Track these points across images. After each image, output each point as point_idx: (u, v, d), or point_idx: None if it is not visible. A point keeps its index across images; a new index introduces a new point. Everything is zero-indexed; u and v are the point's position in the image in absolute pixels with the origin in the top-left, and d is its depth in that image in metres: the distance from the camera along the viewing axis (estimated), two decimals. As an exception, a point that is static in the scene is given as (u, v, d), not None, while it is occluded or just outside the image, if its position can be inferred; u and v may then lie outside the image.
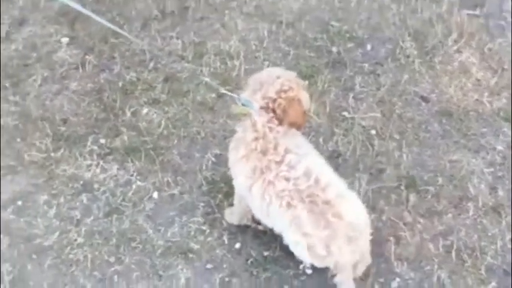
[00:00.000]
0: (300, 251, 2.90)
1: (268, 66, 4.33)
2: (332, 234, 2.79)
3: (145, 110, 4.12)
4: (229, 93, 3.30)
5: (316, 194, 2.81)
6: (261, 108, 3.00)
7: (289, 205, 2.84)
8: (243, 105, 3.05)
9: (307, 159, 2.93)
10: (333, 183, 2.89)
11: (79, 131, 4.03)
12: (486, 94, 4.08)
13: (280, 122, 3.01)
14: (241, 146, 3.03)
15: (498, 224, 3.48)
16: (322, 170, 2.95)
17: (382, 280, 3.29)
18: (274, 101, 3.00)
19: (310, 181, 2.84)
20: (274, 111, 3.00)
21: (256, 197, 2.98)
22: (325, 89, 4.18)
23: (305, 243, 2.84)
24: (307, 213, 2.80)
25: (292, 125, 3.06)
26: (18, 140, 3.98)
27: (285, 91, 3.02)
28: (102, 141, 3.98)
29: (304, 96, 3.15)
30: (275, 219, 2.98)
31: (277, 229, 3.05)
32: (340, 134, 3.94)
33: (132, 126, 4.03)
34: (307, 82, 4.16)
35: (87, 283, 3.38)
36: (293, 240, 2.90)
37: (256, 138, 2.97)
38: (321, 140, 3.92)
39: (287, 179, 2.86)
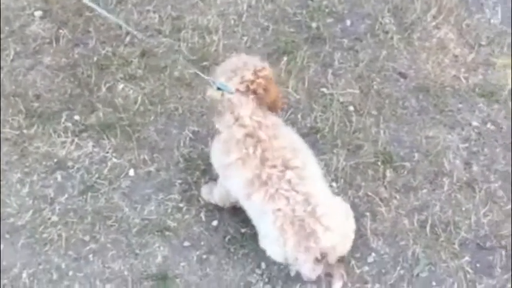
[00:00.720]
0: (267, 247, 3.06)
1: (246, 41, 4.37)
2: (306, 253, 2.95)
3: (121, 86, 4.13)
4: (205, 77, 3.28)
5: (308, 222, 2.92)
6: (239, 91, 3.05)
7: (281, 227, 2.94)
8: (218, 89, 3.08)
9: (308, 181, 3.00)
10: (328, 213, 2.96)
11: (53, 107, 4.04)
12: (463, 70, 4.15)
13: (261, 102, 3.07)
14: (232, 148, 3.05)
15: (472, 199, 3.59)
16: (319, 194, 3.02)
17: (358, 255, 3.39)
18: (252, 82, 3.05)
19: (308, 209, 2.93)
20: (254, 92, 3.06)
21: (254, 205, 3.05)
22: (304, 64, 4.22)
23: (278, 250, 3.00)
24: (294, 235, 2.92)
25: (273, 104, 3.16)
26: (-10, 116, 4.00)
27: (260, 71, 3.09)
28: (77, 117, 3.99)
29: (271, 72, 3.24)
30: (261, 223, 3.08)
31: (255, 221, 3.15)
32: (318, 110, 4.00)
33: (108, 103, 4.05)
34: (286, 58, 4.23)
35: (61, 262, 3.43)
36: (268, 242, 3.05)
37: (247, 135, 3.02)
38: (299, 116, 3.98)
39: (287, 199, 2.94)
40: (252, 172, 2.98)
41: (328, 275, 3.20)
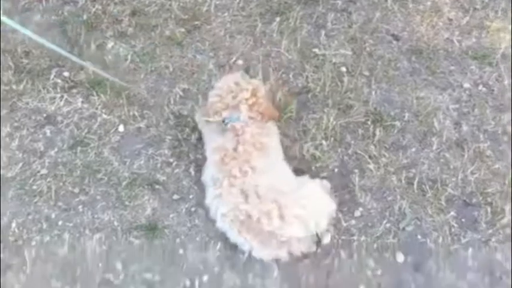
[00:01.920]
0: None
1: (239, 1, 4.51)
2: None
3: (111, 44, 4.29)
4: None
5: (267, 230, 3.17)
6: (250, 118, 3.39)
7: (238, 230, 3.24)
8: (227, 123, 3.38)
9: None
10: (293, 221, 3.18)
11: (42, 64, 4.19)
12: (457, 33, 4.32)
13: (263, 118, 3.44)
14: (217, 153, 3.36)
15: (461, 157, 3.76)
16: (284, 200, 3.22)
17: (345, 209, 3.57)
18: (254, 104, 3.42)
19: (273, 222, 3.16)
20: (258, 112, 3.43)
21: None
22: (296, 25, 4.37)
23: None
24: (254, 237, 3.24)
25: (273, 117, 3.54)
26: (-21, 71, 4.14)
27: (257, 90, 3.49)
28: (66, 74, 4.15)
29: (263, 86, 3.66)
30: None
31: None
32: (310, 70, 4.16)
33: (98, 60, 4.19)
34: (278, 18, 4.39)
35: (51, 213, 3.60)
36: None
37: (234, 149, 3.32)
38: (291, 76, 4.15)
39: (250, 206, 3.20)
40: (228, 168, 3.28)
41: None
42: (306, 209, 3.19)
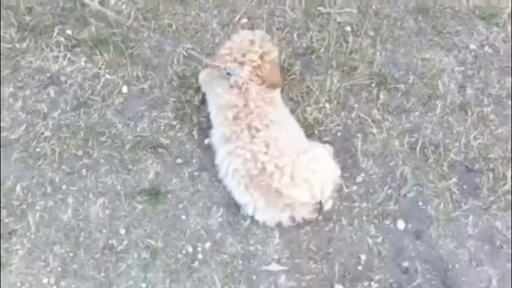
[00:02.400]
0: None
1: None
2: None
3: (113, 0, 4.22)
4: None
5: (275, 186, 3.18)
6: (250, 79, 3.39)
7: (246, 186, 3.26)
8: (228, 74, 3.37)
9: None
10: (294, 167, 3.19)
11: (45, 21, 4.14)
12: (465, -12, 4.24)
13: (263, 83, 3.43)
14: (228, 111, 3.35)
15: (464, 122, 3.72)
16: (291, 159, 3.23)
17: (347, 175, 3.55)
18: (259, 66, 3.43)
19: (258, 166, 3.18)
20: (259, 76, 3.43)
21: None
22: (301, -18, 4.30)
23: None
24: (261, 196, 3.25)
25: (273, 85, 3.48)
26: (-18, 29, 4.10)
27: (267, 54, 3.48)
28: (69, 32, 4.10)
29: (277, 53, 3.65)
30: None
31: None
32: (315, 29, 4.10)
33: (100, 17, 4.13)
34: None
35: (55, 176, 3.59)
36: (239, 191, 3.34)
37: (245, 105, 3.33)
38: (295, 35, 4.08)
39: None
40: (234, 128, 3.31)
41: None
42: (315, 173, 3.20)
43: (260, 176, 3.18)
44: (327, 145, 3.58)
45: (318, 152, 3.34)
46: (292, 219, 3.32)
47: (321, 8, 4.20)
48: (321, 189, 3.24)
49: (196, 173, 3.59)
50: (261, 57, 3.46)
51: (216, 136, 3.45)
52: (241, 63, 3.42)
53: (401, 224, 3.40)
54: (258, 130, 3.25)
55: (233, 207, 3.44)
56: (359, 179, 3.55)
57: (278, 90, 3.59)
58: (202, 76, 3.71)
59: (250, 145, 3.22)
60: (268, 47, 3.54)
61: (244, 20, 4.16)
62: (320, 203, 3.36)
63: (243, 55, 3.44)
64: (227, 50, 3.49)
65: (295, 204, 3.25)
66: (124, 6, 4.19)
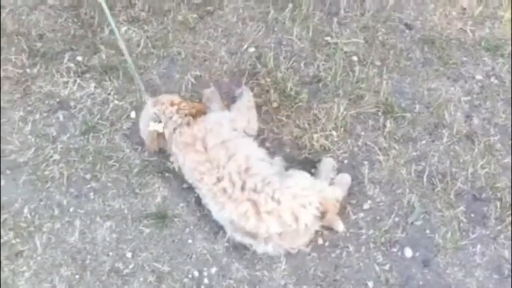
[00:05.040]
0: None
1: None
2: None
3: (124, 28, 4.20)
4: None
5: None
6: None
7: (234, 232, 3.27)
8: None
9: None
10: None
11: (56, 48, 4.12)
12: (470, 23, 4.19)
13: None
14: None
15: (471, 151, 3.66)
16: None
17: (354, 202, 3.49)
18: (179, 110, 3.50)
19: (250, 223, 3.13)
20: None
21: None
22: (309, 12, 4.26)
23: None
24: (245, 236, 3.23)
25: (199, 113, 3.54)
26: (-6, 55, 4.08)
27: (174, 100, 3.57)
28: (80, 58, 4.08)
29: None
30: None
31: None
32: (321, 59, 4.06)
33: (111, 44, 4.12)
34: (291, 5, 4.27)
35: (63, 199, 3.55)
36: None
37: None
38: (302, 64, 4.04)
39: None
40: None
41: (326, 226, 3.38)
42: (281, 204, 3.09)
43: (235, 224, 3.17)
44: (328, 158, 3.56)
45: (291, 179, 3.24)
46: (289, 249, 3.25)
47: (328, 38, 4.17)
48: (294, 216, 3.11)
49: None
50: (172, 105, 3.52)
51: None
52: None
53: (408, 252, 3.33)
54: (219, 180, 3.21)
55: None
56: (366, 206, 3.49)
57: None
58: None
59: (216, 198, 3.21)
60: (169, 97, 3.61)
61: (252, 49, 4.13)
62: (328, 226, 3.30)
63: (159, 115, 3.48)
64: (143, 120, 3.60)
65: (273, 236, 3.15)
66: (134, 35, 4.16)
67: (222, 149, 3.25)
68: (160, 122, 3.42)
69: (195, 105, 3.56)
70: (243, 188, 3.13)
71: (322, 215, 3.19)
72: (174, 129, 3.40)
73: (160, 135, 3.46)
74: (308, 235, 3.26)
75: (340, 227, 3.37)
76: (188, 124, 3.38)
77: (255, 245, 3.24)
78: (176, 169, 3.48)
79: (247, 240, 3.23)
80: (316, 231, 3.33)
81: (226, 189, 3.14)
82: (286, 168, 3.47)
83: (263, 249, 3.24)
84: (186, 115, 3.44)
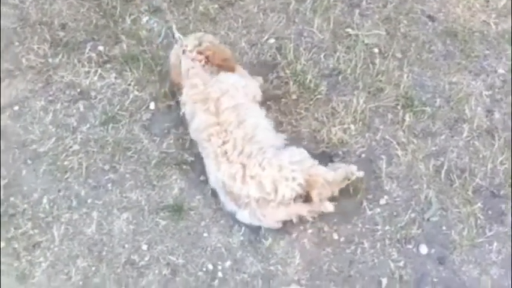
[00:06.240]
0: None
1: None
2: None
3: (145, 18, 4.18)
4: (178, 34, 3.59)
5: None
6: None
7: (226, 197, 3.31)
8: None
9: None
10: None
11: (78, 37, 4.11)
12: (493, 15, 4.09)
13: (212, 63, 3.54)
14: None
15: (491, 146, 3.57)
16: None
17: (370, 197, 3.43)
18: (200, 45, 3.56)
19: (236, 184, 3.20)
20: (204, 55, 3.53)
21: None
22: (330, 3, 4.21)
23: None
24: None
25: (225, 64, 3.57)
26: (17, 43, 4.09)
27: (202, 37, 3.63)
28: (101, 48, 4.07)
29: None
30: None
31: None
32: (342, 51, 4.00)
33: (132, 35, 4.11)
34: (312, -4, 4.22)
35: (81, 190, 3.54)
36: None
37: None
38: (322, 56, 3.99)
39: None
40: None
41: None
42: (265, 171, 3.15)
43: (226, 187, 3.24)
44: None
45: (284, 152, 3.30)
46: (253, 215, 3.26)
47: (349, 30, 4.10)
48: (274, 185, 3.15)
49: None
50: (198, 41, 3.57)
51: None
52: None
53: (424, 249, 3.27)
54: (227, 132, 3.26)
55: (254, 226, 3.34)
56: (382, 201, 3.43)
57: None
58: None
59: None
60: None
61: (272, 40, 4.08)
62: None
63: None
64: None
65: (252, 201, 3.18)
66: (155, 25, 4.14)
67: (233, 113, 3.29)
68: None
69: (225, 59, 3.59)
70: (240, 153, 3.20)
71: (307, 194, 3.22)
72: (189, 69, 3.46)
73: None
74: (286, 212, 3.25)
75: (329, 207, 3.29)
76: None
77: (237, 212, 3.28)
78: (181, 114, 3.54)
79: (232, 206, 3.28)
80: (303, 217, 3.31)
81: (227, 152, 3.21)
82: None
83: (241, 216, 3.29)
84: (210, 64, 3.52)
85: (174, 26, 3.66)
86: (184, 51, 3.50)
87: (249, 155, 3.20)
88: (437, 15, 4.14)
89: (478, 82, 3.84)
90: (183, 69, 3.48)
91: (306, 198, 3.25)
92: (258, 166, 3.17)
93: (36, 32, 4.13)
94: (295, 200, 3.22)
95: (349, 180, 3.31)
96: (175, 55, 3.61)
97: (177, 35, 3.57)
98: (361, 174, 3.41)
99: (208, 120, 3.29)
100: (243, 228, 3.37)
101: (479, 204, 3.38)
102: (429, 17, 4.15)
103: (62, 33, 4.13)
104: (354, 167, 3.38)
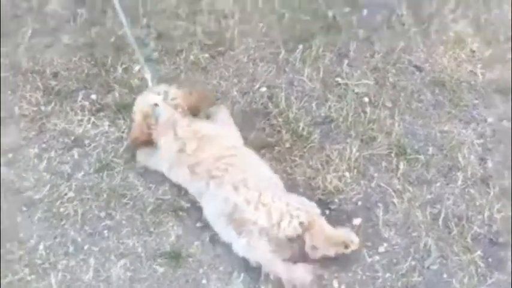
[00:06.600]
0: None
1: (262, 27, 4.42)
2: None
3: (137, 67, 4.17)
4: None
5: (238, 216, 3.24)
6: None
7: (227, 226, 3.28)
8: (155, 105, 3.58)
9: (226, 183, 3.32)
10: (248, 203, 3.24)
11: (70, 86, 4.09)
12: (480, 66, 4.18)
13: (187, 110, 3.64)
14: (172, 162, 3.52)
15: (486, 194, 3.58)
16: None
17: (369, 244, 3.39)
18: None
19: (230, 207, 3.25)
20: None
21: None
22: (319, 54, 4.26)
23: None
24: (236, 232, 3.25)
25: (197, 108, 3.70)
26: (9, 92, 4.05)
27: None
28: (94, 96, 4.05)
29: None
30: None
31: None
32: (333, 100, 4.03)
33: (124, 83, 4.09)
34: (301, 46, 4.26)
35: (77, 236, 3.45)
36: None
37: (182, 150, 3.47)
38: (313, 105, 4.01)
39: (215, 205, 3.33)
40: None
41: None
42: (275, 203, 3.19)
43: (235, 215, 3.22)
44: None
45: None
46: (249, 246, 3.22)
47: (339, 79, 4.15)
48: (279, 218, 3.16)
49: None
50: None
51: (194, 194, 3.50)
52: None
53: (425, 297, 3.24)
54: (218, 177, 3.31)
55: (254, 272, 3.27)
56: (381, 249, 3.39)
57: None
58: (140, 157, 3.75)
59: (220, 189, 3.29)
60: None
61: (264, 89, 4.11)
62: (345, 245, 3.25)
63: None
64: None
65: (254, 231, 3.16)
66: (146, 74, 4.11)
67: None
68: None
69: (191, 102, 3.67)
70: (257, 183, 3.29)
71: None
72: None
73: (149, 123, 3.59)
74: (281, 250, 3.20)
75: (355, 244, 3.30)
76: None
77: (234, 242, 3.25)
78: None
79: (231, 235, 3.25)
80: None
81: (247, 179, 3.29)
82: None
83: (237, 245, 3.24)
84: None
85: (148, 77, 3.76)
86: (165, 97, 3.60)
87: (265, 187, 3.25)
88: (424, 65, 4.23)
89: (469, 131, 3.88)
90: (164, 119, 3.53)
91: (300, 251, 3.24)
92: (270, 197, 3.19)
93: (28, 81, 4.10)
94: (291, 241, 3.20)
95: (346, 247, 3.26)
96: (141, 112, 3.62)
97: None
98: (358, 221, 3.44)
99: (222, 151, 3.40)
100: (242, 275, 3.30)
101: (479, 252, 3.36)
102: (416, 67, 4.22)
103: (54, 82, 4.10)
104: (354, 237, 3.30)
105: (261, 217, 3.15)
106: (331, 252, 3.24)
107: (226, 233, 3.28)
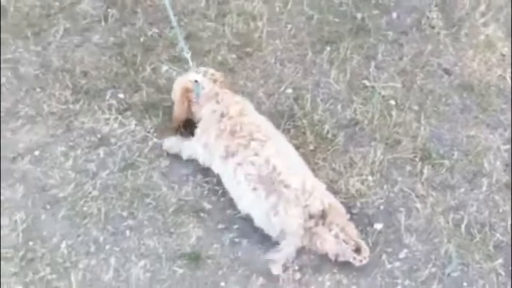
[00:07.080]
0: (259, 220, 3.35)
1: (291, 29, 4.37)
2: (279, 199, 3.23)
3: (165, 67, 4.16)
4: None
5: (273, 177, 3.25)
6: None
7: (254, 188, 3.27)
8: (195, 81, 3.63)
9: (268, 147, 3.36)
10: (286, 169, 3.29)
11: (99, 85, 4.09)
12: (509, 70, 4.07)
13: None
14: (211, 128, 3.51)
15: (510, 201, 3.47)
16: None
17: (390, 250, 3.32)
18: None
19: (269, 168, 3.27)
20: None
21: (226, 174, 3.44)
22: (347, 56, 4.20)
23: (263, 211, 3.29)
24: (266, 192, 3.25)
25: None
26: (38, 90, 4.06)
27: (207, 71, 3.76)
28: (121, 96, 4.04)
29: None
30: (241, 194, 3.39)
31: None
32: (358, 102, 3.96)
33: (152, 83, 4.08)
34: (329, 48, 4.20)
35: (99, 236, 3.44)
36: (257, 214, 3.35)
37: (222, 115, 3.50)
38: (339, 107, 3.95)
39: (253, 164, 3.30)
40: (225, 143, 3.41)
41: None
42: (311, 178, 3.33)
43: (269, 175, 3.25)
44: None
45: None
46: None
47: (366, 81, 4.07)
48: (311, 189, 3.23)
49: (237, 240, 3.41)
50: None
51: (215, 155, 3.47)
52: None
53: (445, 305, 3.15)
54: (262, 141, 3.35)
55: (273, 275, 3.23)
56: (402, 255, 3.31)
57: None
58: (168, 144, 3.77)
59: (262, 151, 3.32)
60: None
61: (289, 90, 4.06)
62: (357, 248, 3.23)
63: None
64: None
65: (285, 193, 3.20)
66: (175, 74, 4.11)
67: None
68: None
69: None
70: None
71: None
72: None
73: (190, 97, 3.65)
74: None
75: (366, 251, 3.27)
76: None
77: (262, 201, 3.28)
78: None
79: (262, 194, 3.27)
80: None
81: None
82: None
83: (263, 208, 3.27)
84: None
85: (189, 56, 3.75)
86: (205, 75, 3.66)
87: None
88: (453, 68, 4.13)
89: (496, 136, 3.78)
90: (205, 91, 3.59)
91: None
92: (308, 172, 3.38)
93: (58, 79, 4.10)
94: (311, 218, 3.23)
95: (357, 250, 3.24)
96: (181, 89, 3.66)
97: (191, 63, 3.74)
98: (379, 226, 3.38)
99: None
100: (260, 279, 3.25)
101: (500, 260, 3.26)
102: (445, 70, 4.13)
103: (83, 81, 4.10)
104: (367, 248, 3.28)
105: (295, 181, 3.20)
106: (342, 246, 3.22)
107: (253, 195, 3.29)
